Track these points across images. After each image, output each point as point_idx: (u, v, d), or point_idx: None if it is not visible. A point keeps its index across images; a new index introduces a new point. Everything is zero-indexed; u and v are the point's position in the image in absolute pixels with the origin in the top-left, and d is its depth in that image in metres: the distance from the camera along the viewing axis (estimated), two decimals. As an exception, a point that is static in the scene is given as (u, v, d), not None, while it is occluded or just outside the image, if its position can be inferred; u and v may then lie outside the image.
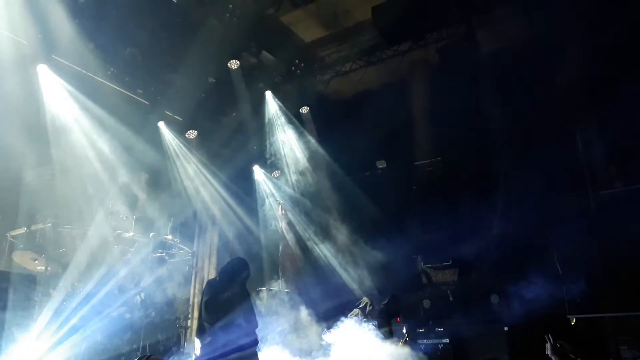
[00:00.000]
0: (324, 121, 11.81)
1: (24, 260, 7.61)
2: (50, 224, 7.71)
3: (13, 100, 7.58)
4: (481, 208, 9.27)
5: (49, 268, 7.48)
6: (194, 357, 5.63)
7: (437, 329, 8.29)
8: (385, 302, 8.08)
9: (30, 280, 6.80)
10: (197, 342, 5.53)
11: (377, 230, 10.20)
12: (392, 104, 10.42)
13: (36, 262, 7.57)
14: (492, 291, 8.63)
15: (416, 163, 10.90)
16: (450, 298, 9.11)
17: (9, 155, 7.37)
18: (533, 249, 8.37)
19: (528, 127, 9.01)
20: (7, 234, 7.81)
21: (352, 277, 10.40)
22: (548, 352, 4.97)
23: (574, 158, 8.80)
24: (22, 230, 7.79)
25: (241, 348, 5.65)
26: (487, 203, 9.38)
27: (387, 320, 7.79)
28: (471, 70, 9.74)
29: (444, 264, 9.76)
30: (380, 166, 11.58)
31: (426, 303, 9.26)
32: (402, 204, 10.54)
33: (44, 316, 6.42)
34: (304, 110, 11.84)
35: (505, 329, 8.09)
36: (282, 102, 11.63)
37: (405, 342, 7.64)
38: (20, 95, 7.76)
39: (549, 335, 5.05)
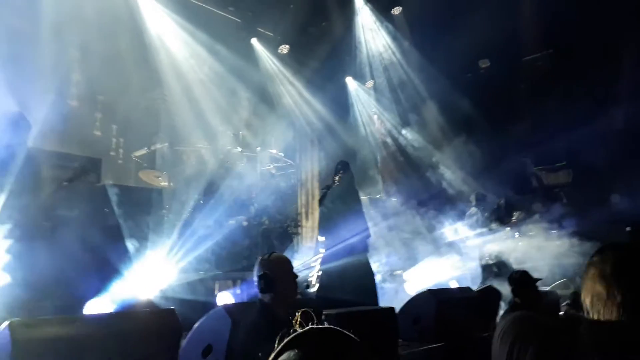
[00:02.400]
0: (417, 21, 11.08)
1: (149, 178, 8.36)
2: (167, 144, 8.32)
3: (119, 26, 7.92)
4: (600, 102, 8.45)
5: (171, 184, 8.19)
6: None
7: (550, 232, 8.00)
8: (496, 205, 7.88)
9: (159, 195, 7.51)
10: (321, 240, 5.94)
11: (482, 133, 9.75)
12: (495, -6, 9.44)
13: (159, 178, 8.28)
14: (613, 191, 8.08)
15: (524, 58, 10.03)
16: (564, 200, 8.67)
17: (124, 80, 7.85)
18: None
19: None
20: (132, 155, 8.56)
21: (456, 180, 10.20)
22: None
23: None
24: (143, 151, 8.49)
25: (353, 249, 5.91)
26: (607, 96, 8.52)
27: (500, 221, 7.65)
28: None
29: (556, 165, 9.22)
30: (483, 65, 10.81)
31: (537, 207, 8.89)
32: (508, 105, 9.89)
33: (174, 227, 7.08)
34: (396, 11, 11.17)
35: (628, 229, 7.63)
36: (372, 4, 11.05)
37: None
38: (124, 21, 8.08)
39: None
